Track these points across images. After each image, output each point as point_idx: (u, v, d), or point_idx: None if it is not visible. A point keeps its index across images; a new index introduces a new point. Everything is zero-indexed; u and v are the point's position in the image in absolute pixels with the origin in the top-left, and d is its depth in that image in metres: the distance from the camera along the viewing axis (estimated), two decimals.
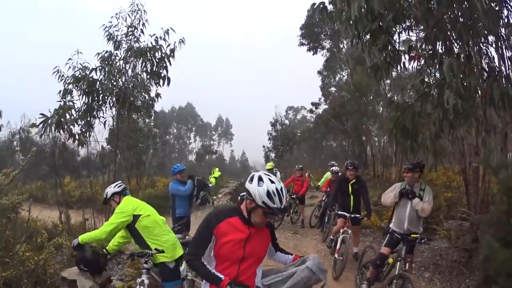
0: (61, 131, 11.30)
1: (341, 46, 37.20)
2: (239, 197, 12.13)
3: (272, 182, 3.65)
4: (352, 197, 10.44)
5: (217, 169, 15.68)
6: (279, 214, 3.66)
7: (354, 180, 10.43)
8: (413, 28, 8.62)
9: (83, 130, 12.09)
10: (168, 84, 12.74)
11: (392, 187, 7.89)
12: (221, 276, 3.65)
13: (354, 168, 10.45)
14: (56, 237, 8.59)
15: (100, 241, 6.61)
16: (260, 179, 3.68)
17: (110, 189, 6.54)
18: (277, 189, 3.60)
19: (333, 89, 39.86)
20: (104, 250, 7.16)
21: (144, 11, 12.69)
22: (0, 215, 6.66)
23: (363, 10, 7.75)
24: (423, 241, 7.12)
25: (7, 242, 6.74)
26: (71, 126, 11.52)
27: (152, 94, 14.07)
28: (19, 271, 6.75)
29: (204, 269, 3.72)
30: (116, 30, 12.63)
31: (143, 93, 14.13)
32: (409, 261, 7.36)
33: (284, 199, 3.61)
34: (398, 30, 8.50)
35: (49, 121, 10.79)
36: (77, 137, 11.77)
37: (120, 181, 6.83)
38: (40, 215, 12.69)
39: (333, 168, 14.96)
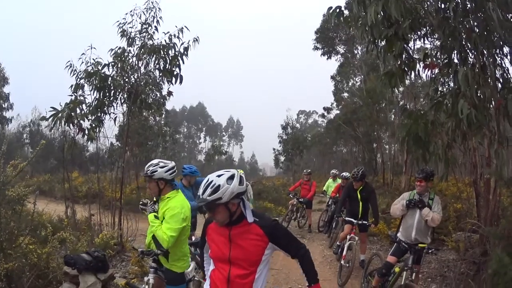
0: (71, 125, 11.30)
1: (355, 52, 37.36)
2: None
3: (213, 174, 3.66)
4: (360, 203, 10.37)
5: None
6: (205, 204, 3.56)
7: (362, 187, 10.35)
8: (429, 36, 8.55)
9: (93, 125, 11.99)
10: (181, 82, 12.62)
11: (401, 197, 7.82)
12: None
13: (358, 180, 10.33)
14: (61, 231, 8.59)
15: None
16: None
17: (160, 171, 5.50)
18: (205, 179, 3.59)
19: (345, 94, 39.98)
20: (101, 252, 7.15)
21: (159, 8, 12.62)
22: (5, 207, 6.60)
23: (379, 16, 7.69)
24: (430, 251, 7.06)
25: (11, 234, 6.71)
26: (81, 121, 11.51)
27: (164, 92, 14.00)
28: (22, 264, 6.72)
29: (201, 264, 4.21)
30: (130, 27, 12.54)
31: (154, 91, 14.08)
32: (416, 271, 7.23)
33: (201, 190, 3.51)
34: (413, 38, 8.43)
35: (59, 114, 10.80)
36: (87, 132, 11.72)
37: (173, 163, 5.73)
38: (46, 208, 12.70)
39: (343, 174, 14.91)
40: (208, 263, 4.14)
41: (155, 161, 5.59)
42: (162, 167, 5.50)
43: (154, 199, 5.73)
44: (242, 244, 3.67)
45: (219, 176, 3.56)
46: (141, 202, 5.88)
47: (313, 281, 3.79)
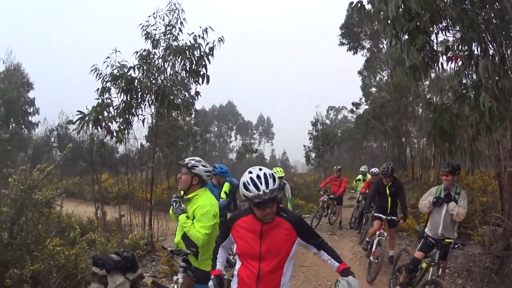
0: (98, 128, 11.49)
1: (381, 46, 36.87)
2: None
3: (250, 172, 3.71)
4: (389, 199, 10.35)
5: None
6: (261, 200, 3.59)
7: (391, 182, 10.31)
8: (450, 28, 8.46)
9: (122, 127, 12.14)
10: (208, 82, 12.72)
11: (428, 192, 7.79)
12: (216, 267, 4.11)
13: (388, 176, 10.32)
14: (89, 233, 8.69)
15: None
16: (244, 176, 3.73)
17: (201, 168, 5.57)
18: (251, 178, 3.64)
19: (373, 89, 39.58)
20: (130, 252, 7.21)
21: (182, 10, 12.72)
22: (32, 210, 6.70)
23: (400, 9, 7.63)
24: (456, 246, 7.01)
25: (39, 236, 6.80)
26: (109, 123, 11.65)
27: (192, 92, 14.07)
28: (49, 265, 6.82)
29: (214, 256, 4.21)
30: (154, 29, 12.66)
31: (182, 91, 14.15)
32: (443, 266, 7.21)
33: (264, 184, 3.57)
34: (435, 31, 8.35)
35: (86, 118, 10.97)
36: (115, 134, 11.86)
37: (211, 168, 5.86)
38: (76, 210, 12.90)
39: (373, 169, 14.86)
40: (221, 256, 4.27)
41: (197, 158, 5.66)
42: (203, 166, 5.58)
43: (177, 196, 5.76)
44: (273, 239, 3.77)
45: (261, 169, 3.71)
46: (175, 196, 5.89)
47: (340, 261, 3.95)
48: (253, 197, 3.57)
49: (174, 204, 5.62)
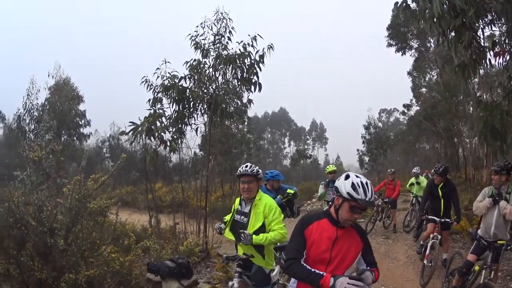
0: (151, 138, 11.64)
1: (428, 45, 36.32)
2: (329, 201, 11.88)
3: (357, 177, 3.77)
4: (442, 200, 10.13)
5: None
6: (365, 206, 3.71)
7: (443, 183, 10.17)
8: (495, 22, 8.32)
9: (175, 137, 12.26)
10: (260, 90, 12.70)
11: (481, 194, 7.62)
12: (321, 272, 3.62)
13: (439, 174, 10.08)
14: (144, 240, 8.85)
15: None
16: (347, 176, 3.81)
17: (261, 172, 5.84)
18: (361, 182, 3.70)
19: (423, 89, 38.99)
20: (185, 259, 7.31)
21: (230, 19, 12.72)
22: (87, 218, 6.88)
23: (445, 6, 7.57)
24: (509, 247, 6.84)
25: (93, 244, 6.96)
26: (162, 133, 11.79)
27: (245, 100, 14.14)
28: (103, 271, 6.97)
29: (305, 270, 3.68)
30: (203, 39, 12.68)
31: (235, 100, 14.22)
32: (495, 269, 7.06)
33: (370, 192, 3.67)
34: (481, 26, 8.23)
35: (139, 128, 11.14)
36: (168, 143, 12.01)
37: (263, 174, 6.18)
38: (129, 218, 13.08)
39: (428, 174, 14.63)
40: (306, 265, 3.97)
41: (249, 164, 5.86)
42: (260, 170, 5.81)
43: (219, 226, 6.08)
44: (344, 245, 3.83)
45: (357, 176, 3.79)
46: (217, 226, 6.10)
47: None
48: (360, 200, 3.65)
49: (242, 235, 5.60)
